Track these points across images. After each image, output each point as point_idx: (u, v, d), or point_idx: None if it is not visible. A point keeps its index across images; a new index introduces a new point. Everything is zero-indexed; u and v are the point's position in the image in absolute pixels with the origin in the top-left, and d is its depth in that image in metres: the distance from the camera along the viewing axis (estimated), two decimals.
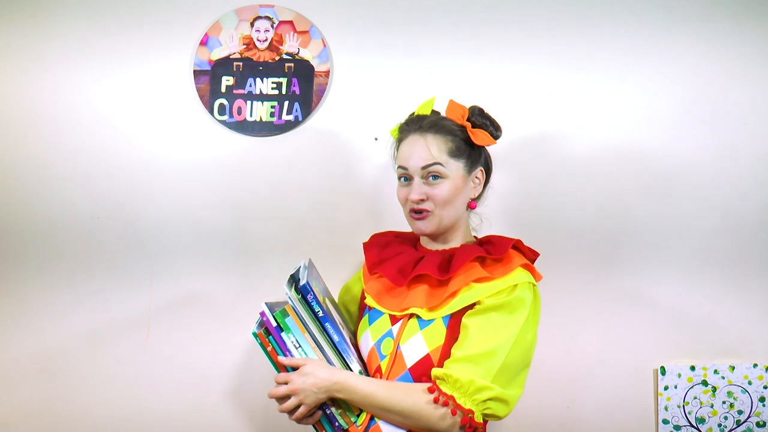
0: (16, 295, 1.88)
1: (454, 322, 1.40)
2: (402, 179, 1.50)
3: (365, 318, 1.54)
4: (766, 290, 1.85)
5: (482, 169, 1.52)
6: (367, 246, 1.62)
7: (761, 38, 1.86)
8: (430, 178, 1.45)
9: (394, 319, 1.46)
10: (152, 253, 1.89)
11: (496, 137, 1.51)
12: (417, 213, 1.47)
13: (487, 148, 1.55)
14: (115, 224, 1.89)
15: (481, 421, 1.34)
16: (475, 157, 1.51)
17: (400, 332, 1.44)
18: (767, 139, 1.86)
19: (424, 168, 1.45)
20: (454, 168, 1.47)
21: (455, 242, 1.52)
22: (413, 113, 1.56)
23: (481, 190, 1.53)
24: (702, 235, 1.86)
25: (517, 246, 1.49)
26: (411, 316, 1.44)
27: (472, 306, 1.40)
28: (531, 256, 1.50)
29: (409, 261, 1.50)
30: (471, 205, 1.52)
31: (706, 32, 1.86)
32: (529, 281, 1.42)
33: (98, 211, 1.89)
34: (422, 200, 1.46)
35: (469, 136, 1.48)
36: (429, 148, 1.45)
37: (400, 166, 1.50)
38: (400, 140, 1.53)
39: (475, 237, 1.58)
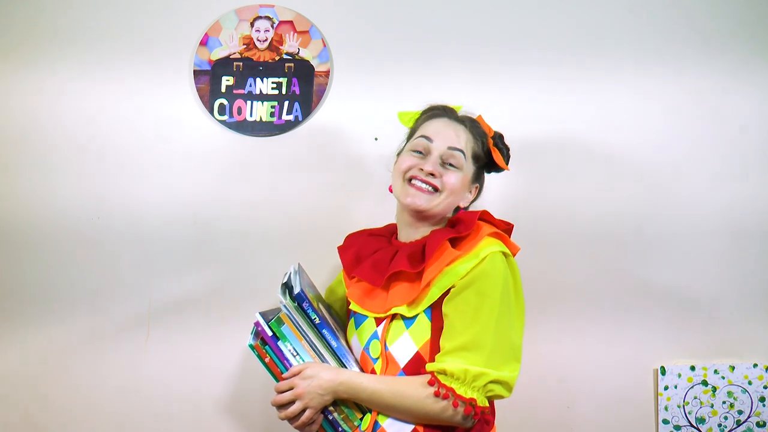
0: (15, 295, 1.88)
1: (436, 313, 1.40)
2: (415, 151, 1.48)
3: (351, 322, 1.52)
4: (766, 290, 1.85)
5: (477, 186, 1.55)
6: (341, 249, 1.60)
7: (760, 40, 1.87)
8: (448, 164, 1.46)
9: (379, 321, 1.45)
10: (152, 253, 1.89)
11: (507, 164, 1.55)
12: (419, 182, 1.45)
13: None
14: (115, 224, 1.89)
15: (487, 404, 1.35)
16: (480, 172, 1.54)
17: (385, 332, 1.43)
18: (767, 139, 1.86)
19: (449, 148, 1.45)
20: (468, 168, 1.48)
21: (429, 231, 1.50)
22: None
23: (468, 205, 1.54)
24: (702, 236, 1.86)
25: (484, 217, 1.49)
26: (394, 316, 1.43)
27: (449, 292, 1.39)
28: (503, 226, 1.50)
29: (383, 257, 1.48)
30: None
31: (706, 36, 1.87)
32: (499, 250, 1.40)
33: (98, 211, 1.89)
34: (433, 176, 1.45)
35: (489, 150, 1.52)
36: (460, 135, 1.47)
37: (423, 136, 1.48)
38: (428, 118, 1.52)
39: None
